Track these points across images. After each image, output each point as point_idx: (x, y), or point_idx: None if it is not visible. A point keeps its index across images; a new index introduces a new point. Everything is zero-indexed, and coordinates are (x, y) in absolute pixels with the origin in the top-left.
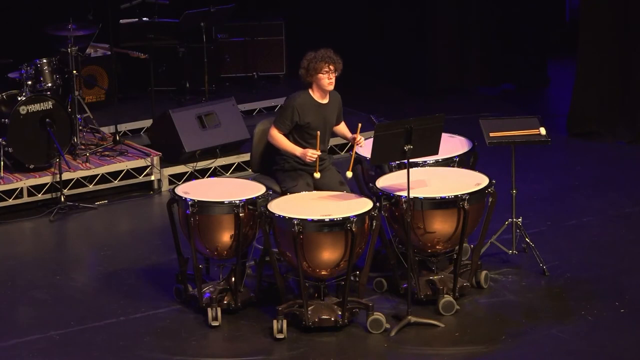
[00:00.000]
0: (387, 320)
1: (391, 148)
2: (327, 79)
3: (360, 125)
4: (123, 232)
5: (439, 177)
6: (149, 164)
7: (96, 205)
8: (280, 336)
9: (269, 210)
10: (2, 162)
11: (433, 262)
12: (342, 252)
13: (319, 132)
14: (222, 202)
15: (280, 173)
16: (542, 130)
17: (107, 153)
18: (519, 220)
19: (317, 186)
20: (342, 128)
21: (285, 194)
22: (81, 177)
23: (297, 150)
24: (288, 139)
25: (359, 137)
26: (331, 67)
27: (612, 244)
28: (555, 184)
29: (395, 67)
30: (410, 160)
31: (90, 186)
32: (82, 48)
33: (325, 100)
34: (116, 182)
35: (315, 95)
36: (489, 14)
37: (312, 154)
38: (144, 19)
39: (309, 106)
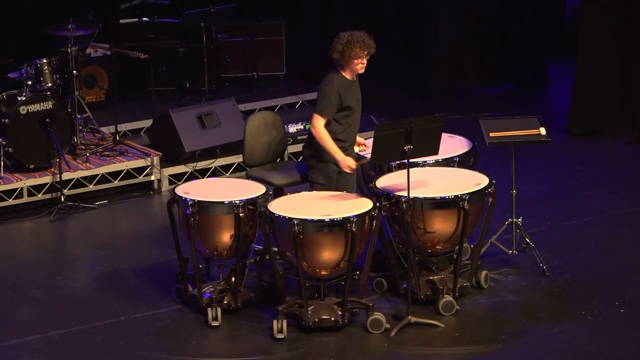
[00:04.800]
0: (387, 320)
1: (391, 148)
2: (361, 64)
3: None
4: (123, 232)
5: (439, 177)
6: (149, 164)
7: (96, 205)
8: (280, 336)
9: (269, 210)
10: (2, 162)
11: (433, 262)
12: (342, 252)
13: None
14: (222, 202)
15: (314, 161)
16: (542, 130)
17: (107, 153)
18: (519, 220)
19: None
20: None
21: (282, 189)
22: (81, 177)
23: (338, 154)
24: (331, 123)
25: (365, 143)
26: (365, 52)
27: (612, 244)
28: (555, 184)
29: (396, 67)
30: (410, 160)
31: (90, 186)
32: (82, 48)
33: (356, 79)
34: (116, 182)
35: (347, 75)
36: (489, 14)
37: (350, 165)
38: (144, 19)
39: (346, 88)
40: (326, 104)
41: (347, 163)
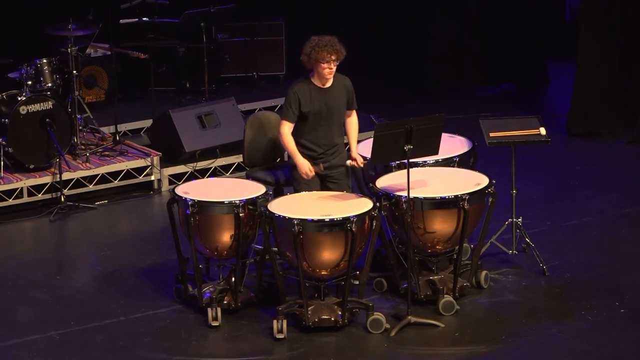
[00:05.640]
0: (387, 320)
1: (391, 148)
2: (328, 68)
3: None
4: (123, 232)
5: (439, 177)
6: (149, 164)
7: (96, 205)
8: (280, 336)
9: (269, 210)
10: (2, 162)
11: (433, 262)
12: (342, 252)
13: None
14: (222, 202)
15: (293, 169)
16: (542, 130)
17: (107, 153)
18: (519, 220)
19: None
20: (351, 126)
21: (280, 188)
22: (81, 177)
23: (297, 157)
24: (297, 127)
25: (357, 159)
26: (333, 56)
27: (612, 244)
28: (555, 184)
29: (395, 67)
30: (410, 160)
31: (90, 186)
32: (82, 48)
33: (328, 84)
34: (116, 182)
35: (316, 80)
36: (489, 13)
37: (306, 172)
38: (144, 19)
39: (309, 92)
40: (286, 107)
41: (304, 169)
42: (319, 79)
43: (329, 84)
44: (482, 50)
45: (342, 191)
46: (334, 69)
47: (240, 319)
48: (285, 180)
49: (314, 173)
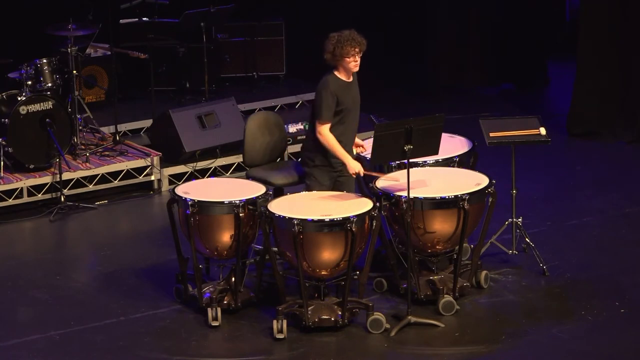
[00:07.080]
0: (387, 320)
1: (391, 148)
2: (354, 61)
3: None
4: (123, 232)
5: (439, 177)
6: (149, 164)
7: (96, 205)
8: (280, 336)
9: (269, 210)
10: (2, 162)
11: (433, 262)
12: (342, 252)
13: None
14: (222, 202)
15: (310, 169)
16: (542, 130)
17: (107, 153)
18: (519, 220)
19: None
20: None
21: (282, 189)
22: (81, 177)
23: (346, 158)
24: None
25: (362, 144)
26: (357, 49)
27: (612, 244)
28: (555, 184)
29: (395, 67)
30: (410, 160)
31: (90, 186)
32: (82, 48)
33: (351, 79)
34: (116, 182)
35: (342, 75)
36: (489, 13)
37: (356, 171)
38: (144, 19)
39: (341, 89)
40: (324, 108)
41: (355, 169)
42: (345, 73)
43: (352, 78)
44: (482, 50)
45: (351, 186)
46: (359, 60)
47: (240, 319)
48: (301, 177)
49: (361, 171)
